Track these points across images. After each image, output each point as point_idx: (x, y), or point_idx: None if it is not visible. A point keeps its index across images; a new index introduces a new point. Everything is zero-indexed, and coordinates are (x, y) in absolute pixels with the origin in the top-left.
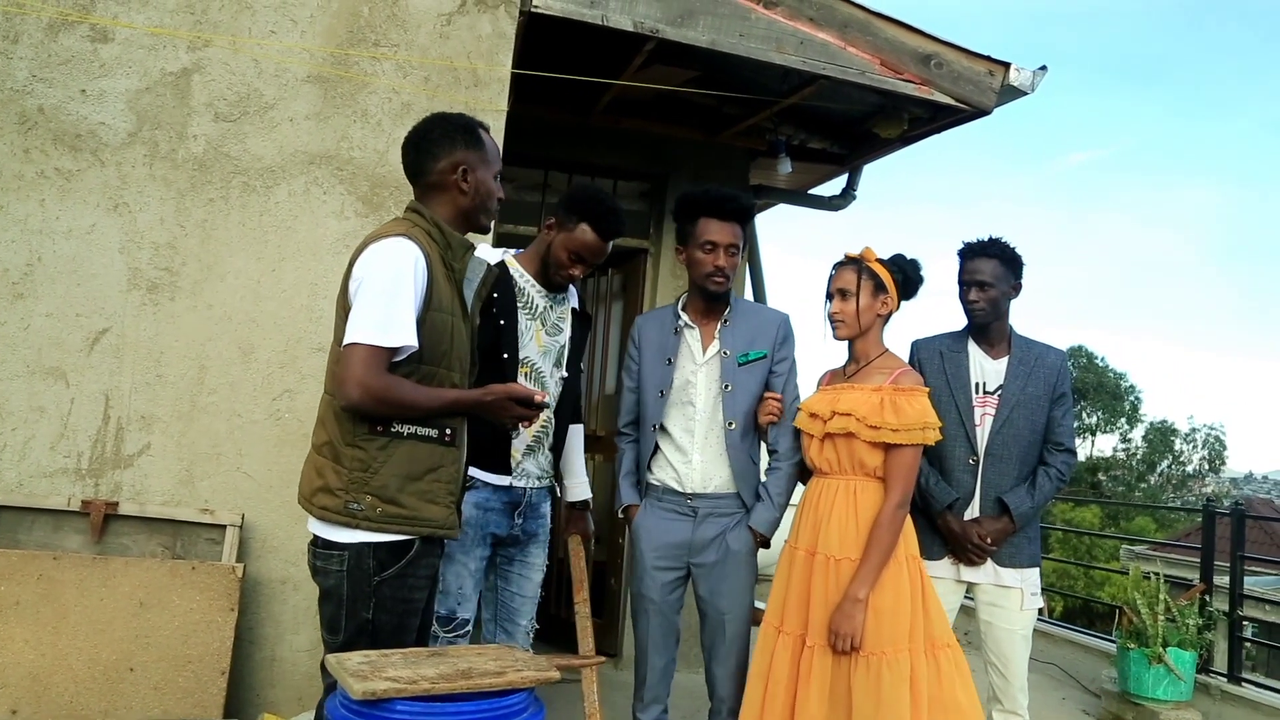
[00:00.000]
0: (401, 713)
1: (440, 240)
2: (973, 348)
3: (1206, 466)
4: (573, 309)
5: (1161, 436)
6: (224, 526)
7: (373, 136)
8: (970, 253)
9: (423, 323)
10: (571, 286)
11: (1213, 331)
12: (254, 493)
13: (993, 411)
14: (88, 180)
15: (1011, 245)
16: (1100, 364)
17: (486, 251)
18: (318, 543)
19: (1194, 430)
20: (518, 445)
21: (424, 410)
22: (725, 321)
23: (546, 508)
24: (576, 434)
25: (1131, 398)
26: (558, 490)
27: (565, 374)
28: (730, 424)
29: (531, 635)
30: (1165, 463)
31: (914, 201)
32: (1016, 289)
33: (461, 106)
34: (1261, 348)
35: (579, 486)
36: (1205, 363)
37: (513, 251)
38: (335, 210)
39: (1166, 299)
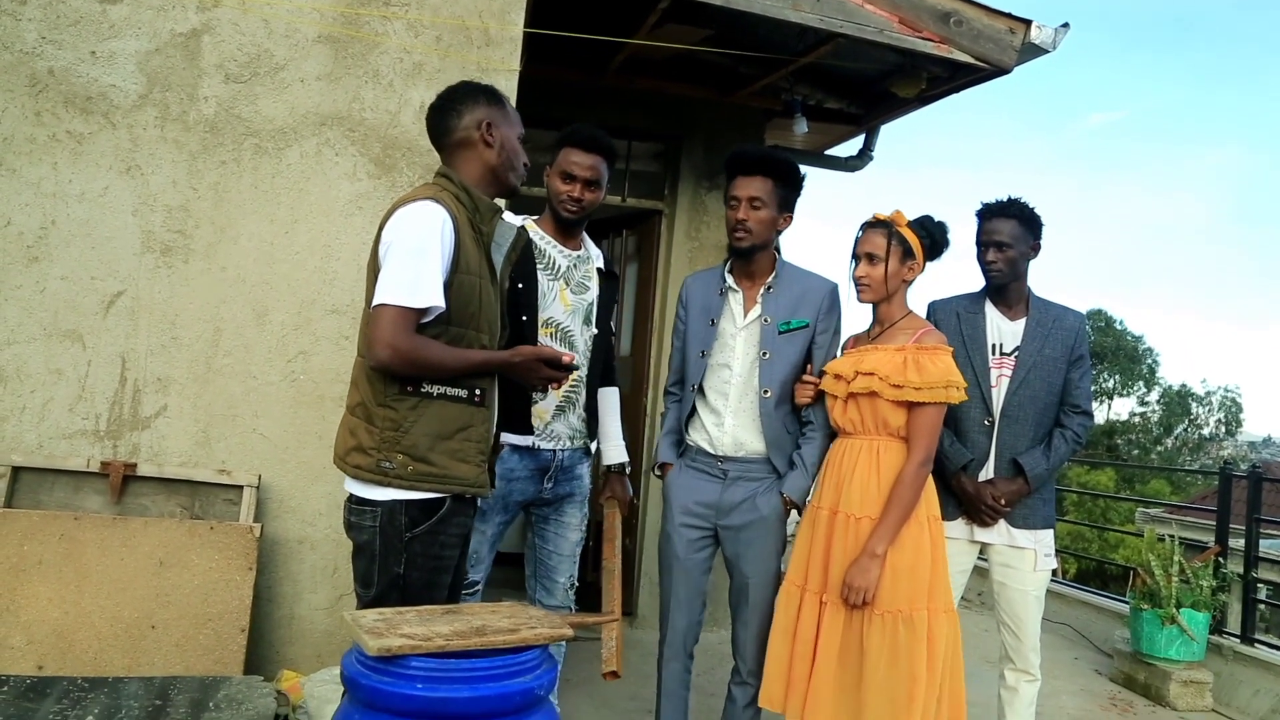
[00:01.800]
0: (416, 669)
1: (468, 203)
2: (990, 309)
3: (1223, 430)
4: (598, 268)
5: (1179, 400)
6: (241, 487)
7: (384, 97)
8: (988, 213)
9: (450, 285)
10: (595, 246)
11: (1230, 296)
12: (270, 453)
13: (1009, 373)
14: (99, 143)
15: (1030, 205)
16: (1119, 327)
17: (506, 219)
18: (352, 500)
19: (1210, 393)
20: (546, 406)
21: (452, 370)
22: (770, 287)
23: (583, 469)
24: (611, 396)
25: (1149, 361)
26: (593, 445)
27: (595, 330)
28: (765, 392)
29: (573, 591)
30: (1182, 426)
31: (930, 163)
32: (1035, 249)
33: (474, 66)
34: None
35: (614, 450)
36: (1222, 327)
37: (532, 218)
38: (347, 172)
39: (1184, 263)
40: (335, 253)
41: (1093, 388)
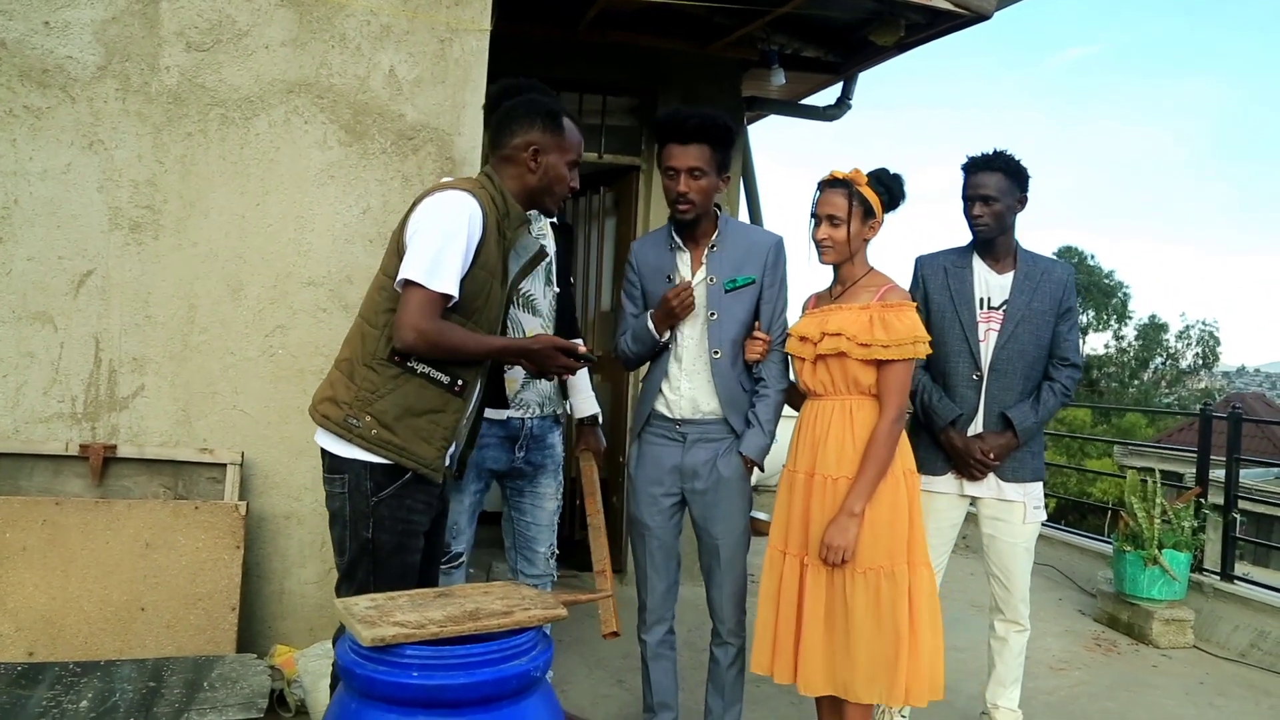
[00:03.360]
0: (411, 657)
1: (501, 206)
2: (977, 263)
3: (1200, 362)
4: (551, 223)
5: (1153, 332)
6: (224, 465)
7: (352, 62)
8: (974, 167)
9: (465, 277)
10: None
11: (1205, 228)
12: (252, 430)
13: (997, 327)
14: (59, 118)
15: (1016, 158)
16: (1091, 263)
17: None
18: (325, 464)
19: (1188, 327)
20: (516, 375)
21: (473, 354)
22: (713, 246)
23: (554, 438)
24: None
25: (1119, 294)
26: (563, 412)
27: (557, 289)
28: (716, 352)
29: (553, 560)
30: (1159, 359)
31: (907, 105)
32: (1022, 202)
33: (443, 27)
34: (1254, 243)
35: (585, 402)
36: (1198, 259)
37: None
38: (318, 140)
39: (1159, 198)
40: (309, 224)
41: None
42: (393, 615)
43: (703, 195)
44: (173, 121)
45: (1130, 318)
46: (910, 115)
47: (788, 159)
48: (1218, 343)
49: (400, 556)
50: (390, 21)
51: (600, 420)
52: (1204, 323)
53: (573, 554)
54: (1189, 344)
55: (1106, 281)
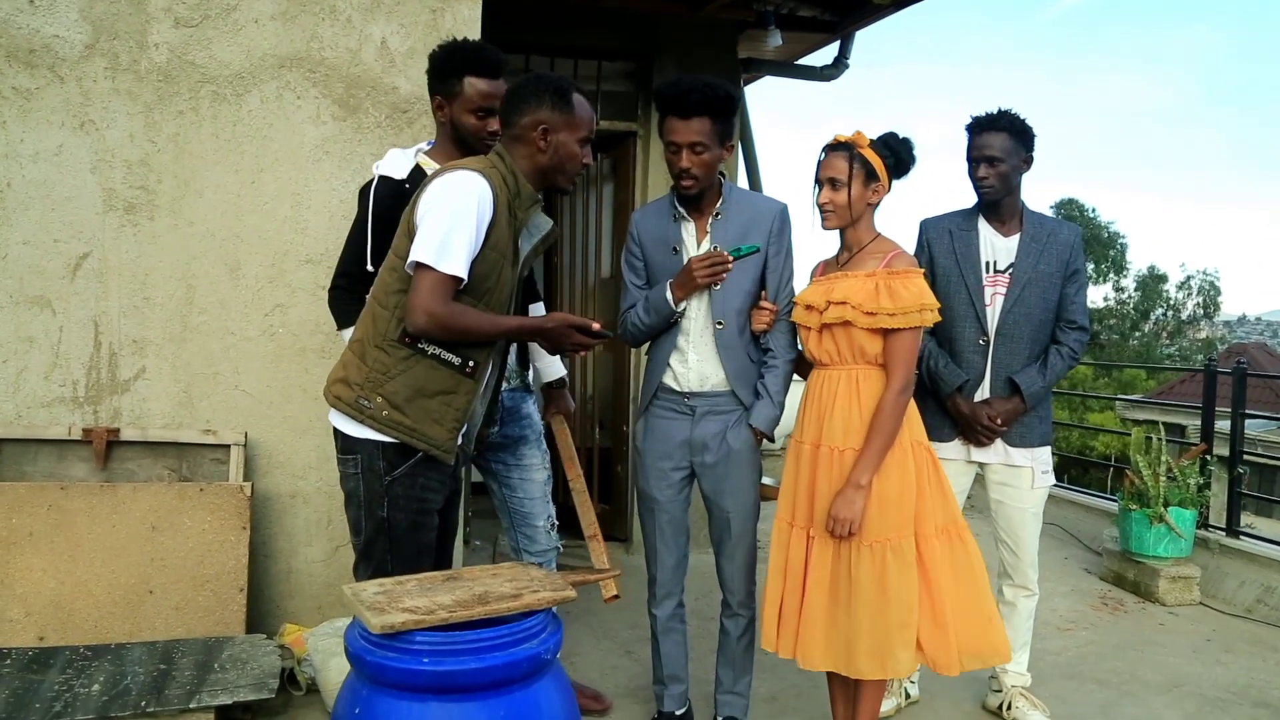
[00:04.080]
0: (421, 644)
1: (512, 186)
2: (983, 225)
3: (1201, 312)
4: None
5: (1153, 284)
6: (228, 446)
7: (343, 34)
8: (978, 127)
9: (475, 258)
10: None
11: (1205, 177)
12: (255, 410)
13: (1004, 290)
14: (49, 98)
15: (1021, 117)
16: (1091, 216)
17: (395, 155)
18: (338, 446)
19: (1189, 277)
20: None
21: (487, 335)
22: (717, 214)
23: (529, 408)
24: (538, 310)
25: (1117, 244)
26: (530, 378)
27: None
28: (720, 323)
29: (554, 532)
30: (1159, 310)
31: (903, 61)
32: (1028, 163)
33: None
34: (1255, 191)
35: (550, 365)
36: (1197, 209)
37: (425, 145)
38: (311, 115)
39: (1158, 148)
40: (305, 200)
41: None
42: (401, 601)
43: (706, 169)
44: (164, 100)
45: (1128, 268)
46: (906, 70)
47: (785, 120)
48: (1218, 292)
49: (416, 535)
50: None
51: (566, 382)
52: (1204, 272)
53: (561, 519)
54: (1190, 294)
55: (1106, 234)
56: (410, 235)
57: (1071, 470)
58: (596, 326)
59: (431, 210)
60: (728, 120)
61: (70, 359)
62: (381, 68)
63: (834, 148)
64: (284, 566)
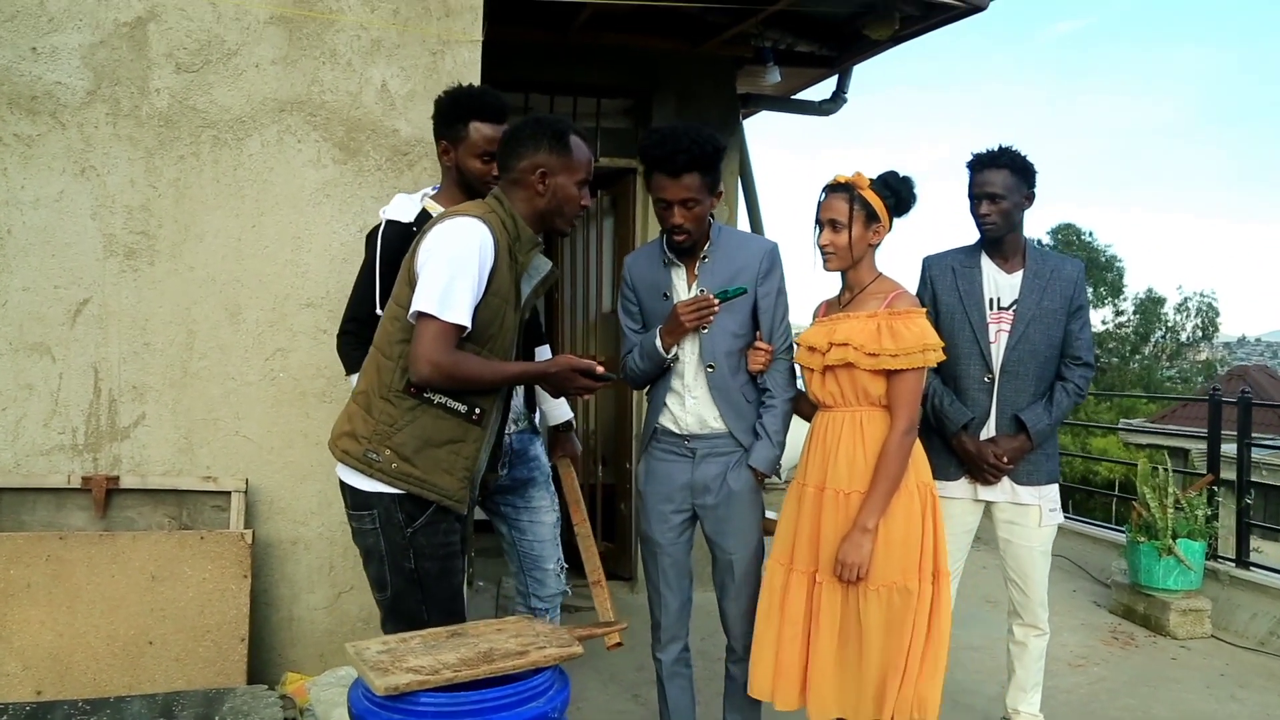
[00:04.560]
0: (426, 705)
1: (512, 230)
2: (986, 262)
3: (1200, 334)
4: None
5: (1152, 306)
6: (229, 493)
7: (344, 78)
8: (979, 164)
9: (478, 305)
10: None
11: (1201, 197)
12: (255, 456)
13: (1008, 327)
14: (50, 145)
15: (1022, 154)
16: (1088, 239)
17: (401, 200)
18: (349, 502)
19: (1186, 299)
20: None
21: (491, 383)
22: (705, 258)
23: (536, 449)
24: (544, 354)
25: (1114, 268)
26: (537, 420)
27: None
28: (709, 366)
29: (564, 575)
30: (1159, 333)
31: (896, 86)
32: (1029, 199)
33: (434, 39)
34: (1250, 211)
35: (557, 409)
36: (1194, 229)
37: (430, 190)
38: (311, 159)
39: (1153, 168)
40: (306, 244)
41: None
42: (405, 660)
43: (697, 222)
44: (165, 145)
45: (1124, 290)
46: (901, 95)
47: (779, 144)
48: (1216, 313)
49: (448, 580)
50: (380, 35)
51: (574, 426)
52: (1201, 294)
53: (567, 559)
54: (1188, 316)
55: (1104, 258)
56: (411, 283)
57: (1075, 496)
58: (601, 370)
59: (432, 258)
60: (716, 170)
61: (70, 406)
62: (382, 111)
63: (834, 189)
64: (285, 614)
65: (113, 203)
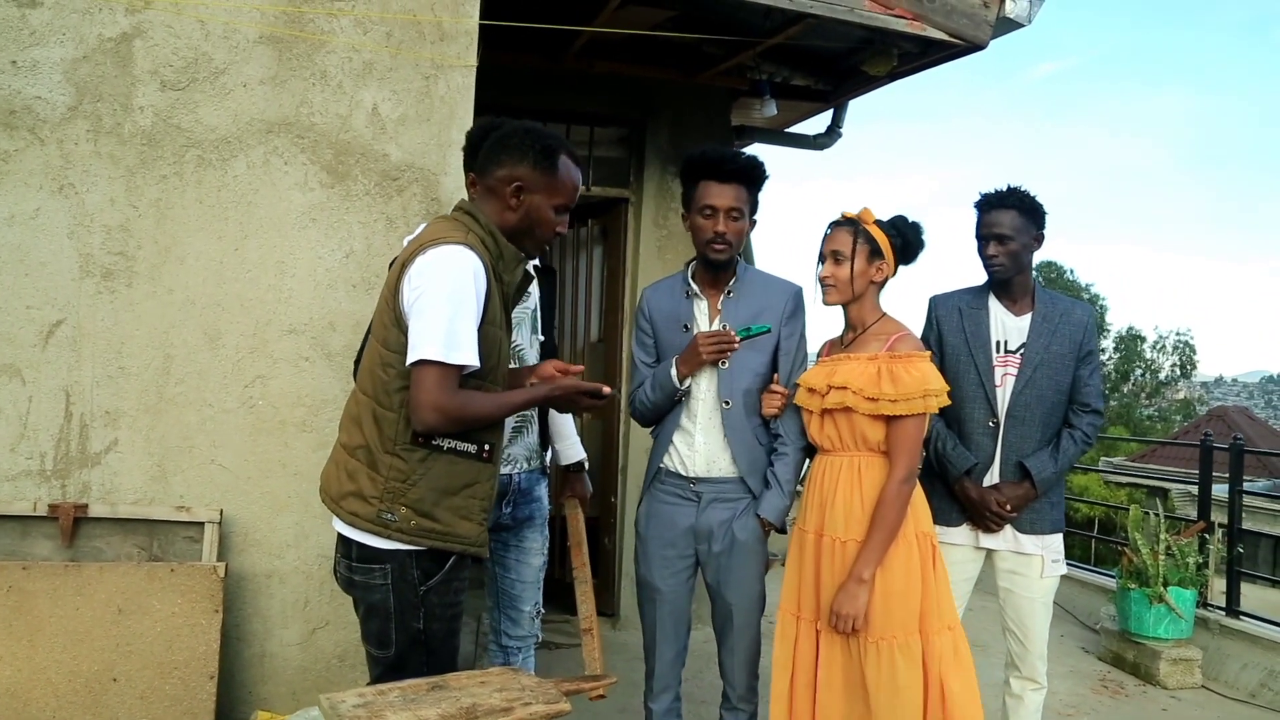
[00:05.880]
0: None
1: (493, 249)
2: (993, 304)
3: (1178, 373)
4: (535, 266)
5: (1132, 344)
6: (202, 524)
7: (334, 100)
8: (987, 205)
9: (477, 336)
10: None
11: (1179, 237)
12: (231, 485)
13: (1015, 371)
14: (28, 161)
15: (1031, 195)
16: (1070, 278)
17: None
18: (353, 554)
19: (1162, 337)
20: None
21: (497, 419)
22: (729, 292)
23: (540, 490)
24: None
25: (1097, 306)
26: (548, 459)
27: (542, 338)
28: (726, 403)
29: (538, 620)
30: (1138, 371)
31: (888, 118)
32: (1038, 240)
33: (427, 63)
34: (1227, 251)
35: (571, 448)
36: (1172, 268)
37: None
38: (298, 182)
39: (1134, 207)
40: (289, 269)
41: None
42: (384, 715)
43: (738, 237)
44: (147, 164)
45: (1109, 329)
46: (889, 128)
47: (773, 171)
48: (1194, 351)
49: (451, 641)
50: (373, 58)
51: (586, 466)
52: (1178, 332)
53: (558, 596)
54: (1165, 354)
55: (1086, 297)
56: (398, 323)
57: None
58: (606, 391)
59: (426, 296)
60: (758, 190)
61: (39, 430)
62: (372, 134)
63: (839, 223)
64: (258, 650)
65: (91, 222)
